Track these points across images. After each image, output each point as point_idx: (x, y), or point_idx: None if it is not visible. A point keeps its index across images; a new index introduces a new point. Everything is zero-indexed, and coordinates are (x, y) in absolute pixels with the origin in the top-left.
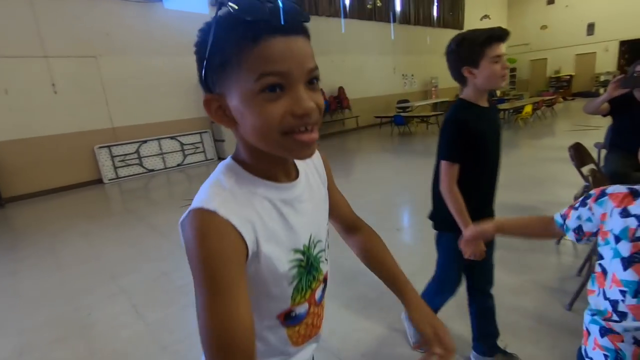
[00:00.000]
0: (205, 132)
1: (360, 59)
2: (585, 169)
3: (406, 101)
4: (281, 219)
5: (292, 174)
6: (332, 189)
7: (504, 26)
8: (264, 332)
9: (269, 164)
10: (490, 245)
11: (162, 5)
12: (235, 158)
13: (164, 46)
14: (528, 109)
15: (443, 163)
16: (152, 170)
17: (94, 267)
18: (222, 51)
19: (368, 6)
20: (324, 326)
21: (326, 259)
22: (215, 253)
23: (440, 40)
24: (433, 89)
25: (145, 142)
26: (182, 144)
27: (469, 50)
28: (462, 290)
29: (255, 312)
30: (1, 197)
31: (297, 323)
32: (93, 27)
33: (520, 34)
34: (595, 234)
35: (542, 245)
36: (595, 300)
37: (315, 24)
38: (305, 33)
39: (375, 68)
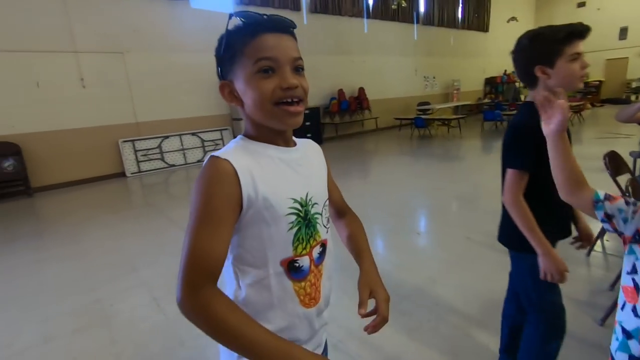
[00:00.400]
0: (226, 129)
1: (381, 60)
2: (620, 179)
3: (427, 103)
4: (279, 170)
5: (290, 143)
6: (329, 178)
7: (531, 28)
8: (270, 280)
9: (269, 134)
10: None
11: (189, 3)
12: (244, 134)
13: (189, 44)
14: None
15: (511, 172)
16: (173, 166)
17: (116, 258)
18: (232, 47)
19: (392, 7)
20: (341, 328)
21: (325, 227)
22: (214, 191)
23: (464, 42)
24: (455, 91)
25: (167, 137)
26: (202, 140)
27: (545, 47)
28: (475, 290)
29: (259, 258)
30: (30, 186)
31: (302, 278)
32: (121, 24)
33: None
34: (621, 235)
35: (572, 255)
36: (626, 317)
37: (338, 24)
38: (291, 34)
39: (397, 69)
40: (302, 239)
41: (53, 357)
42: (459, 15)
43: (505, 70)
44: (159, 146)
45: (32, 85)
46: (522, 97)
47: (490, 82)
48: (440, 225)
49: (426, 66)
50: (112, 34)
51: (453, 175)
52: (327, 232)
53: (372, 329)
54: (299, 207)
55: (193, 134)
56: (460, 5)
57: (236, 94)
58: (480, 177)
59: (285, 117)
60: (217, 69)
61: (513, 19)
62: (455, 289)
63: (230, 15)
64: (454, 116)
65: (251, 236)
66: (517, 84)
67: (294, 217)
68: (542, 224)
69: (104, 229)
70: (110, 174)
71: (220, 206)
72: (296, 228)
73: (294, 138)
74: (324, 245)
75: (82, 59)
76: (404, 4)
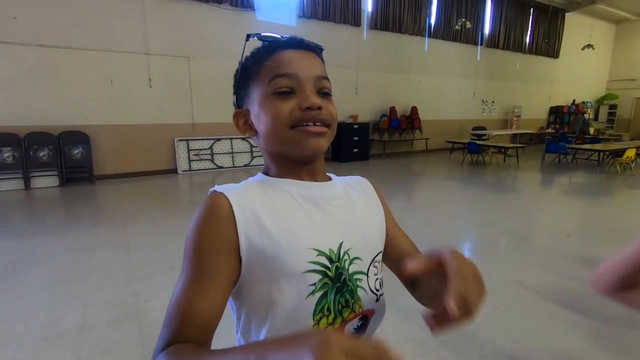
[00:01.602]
0: None
1: (438, 80)
2: None
3: (483, 128)
4: (299, 210)
5: (317, 176)
6: (391, 226)
7: (607, 58)
8: None
9: (291, 166)
10: None
11: (255, 14)
12: (263, 172)
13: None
14: (631, 153)
15: None
16: (221, 167)
17: (157, 255)
18: (247, 70)
19: (456, 27)
20: None
21: (373, 292)
22: (204, 234)
23: (529, 67)
24: (515, 118)
25: (219, 140)
26: (251, 146)
27: None
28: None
29: (267, 327)
30: (93, 174)
31: None
32: (190, 30)
33: (626, 68)
34: None
35: None
36: None
37: (397, 42)
38: (315, 51)
39: (454, 90)
40: (330, 309)
41: (85, 346)
42: (527, 40)
43: (574, 100)
44: (211, 147)
45: (106, 82)
46: (591, 130)
47: (555, 111)
48: (489, 264)
49: (486, 89)
50: (181, 40)
51: (506, 208)
52: (377, 300)
53: (438, 324)
54: (326, 262)
55: (243, 138)
56: (530, 29)
57: (251, 124)
58: (536, 214)
59: (303, 139)
60: (234, 98)
61: (589, 46)
62: (502, 341)
63: (248, 37)
64: (512, 144)
65: (254, 300)
66: (586, 116)
67: (317, 277)
68: None
69: (151, 223)
70: (164, 169)
71: (209, 253)
72: (320, 293)
73: (331, 175)
74: (364, 318)
75: (152, 61)
76: (468, 25)
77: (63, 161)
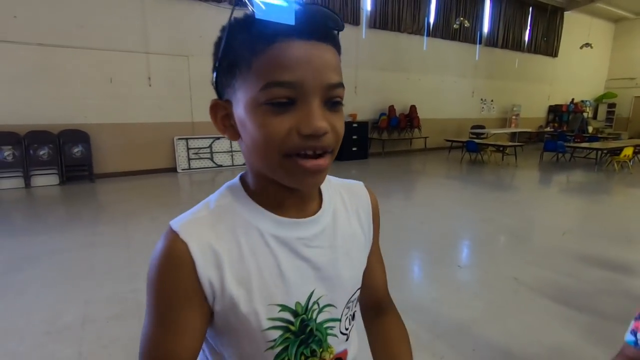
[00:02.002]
0: None
1: (437, 79)
2: None
3: (482, 127)
4: (270, 261)
5: (308, 209)
6: (372, 248)
7: (606, 57)
8: None
9: (275, 190)
10: None
11: (254, 15)
12: (242, 178)
13: None
14: (628, 151)
15: None
16: (221, 166)
17: None
18: (233, 52)
19: (454, 26)
20: None
21: (344, 334)
22: (165, 286)
23: (528, 66)
24: (513, 117)
25: (218, 138)
26: None
27: None
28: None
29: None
30: (93, 172)
31: None
32: (190, 29)
33: (625, 67)
34: None
35: None
36: None
37: (396, 41)
38: (332, 42)
39: (453, 89)
40: None
41: (86, 341)
42: (526, 38)
43: (573, 99)
44: (210, 146)
45: (106, 81)
46: (590, 129)
47: (554, 110)
48: (486, 261)
49: (485, 88)
50: (181, 39)
51: (504, 206)
52: (347, 339)
53: None
54: (289, 317)
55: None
56: (528, 27)
57: (233, 122)
58: (534, 212)
59: (297, 176)
60: (212, 77)
61: (587, 45)
62: (497, 336)
63: (238, 1)
64: (511, 143)
65: (222, 343)
66: (585, 114)
67: (277, 333)
68: None
69: (151, 221)
70: (163, 168)
71: (170, 303)
72: (280, 347)
73: (325, 190)
74: None
75: (152, 60)
76: (466, 24)
77: (63, 160)
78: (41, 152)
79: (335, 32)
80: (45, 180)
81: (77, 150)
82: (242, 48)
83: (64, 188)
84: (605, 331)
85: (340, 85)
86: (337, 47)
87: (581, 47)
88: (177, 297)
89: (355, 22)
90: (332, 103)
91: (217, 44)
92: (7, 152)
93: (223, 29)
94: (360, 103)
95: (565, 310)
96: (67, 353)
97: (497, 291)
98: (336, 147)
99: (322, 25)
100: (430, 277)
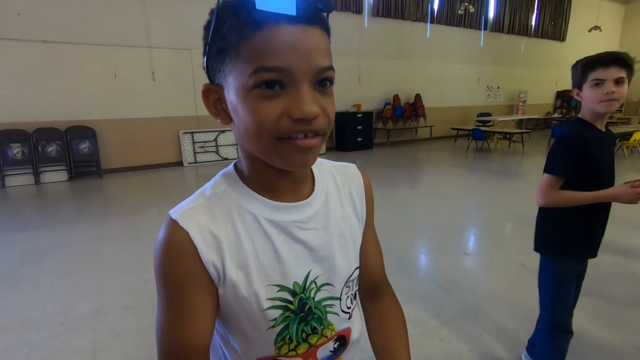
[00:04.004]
0: None
1: (442, 66)
2: None
3: (488, 114)
4: (266, 245)
5: (301, 192)
6: (366, 230)
7: (616, 40)
8: None
9: (268, 173)
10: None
11: (254, 5)
12: (236, 166)
13: None
14: (638, 136)
15: (546, 177)
16: (226, 159)
17: None
18: (222, 37)
19: (459, 12)
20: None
21: (345, 312)
22: (172, 274)
23: (535, 51)
24: (520, 104)
25: (223, 132)
26: None
27: (577, 72)
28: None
29: (236, 343)
30: (101, 168)
31: None
32: (192, 22)
33: (635, 50)
34: None
35: None
36: None
37: (400, 28)
38: (321, 24)
39: (458, 77)
40: (291, 338)
41: (100, 330)
42: (533, 23)
43: None
44: (215, 140)
45: (110, 77)
46: None
47: (562, 95)
48: (492, 248)
49: (491, 75)
50: (183, 32)
51: (511, 193)
52: (349, 317)
53: None
54: (288, 296)
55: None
56: (535, 11)
57: (225, 106)
58: None
59: (290, 155)
60: (203, 61)
61: (596, 28)
62: (503, 321)
63: None
64: (517, 130)
65: (225, 326)
66: None
67: (278, 313)
68: (568, 234)
69: (159, 213)
70: (170, 162)
71: (183, 287)
72: (281, 326)
73: (317, 172)
74: (342, 338)
75: (155, 54)
76: (471, 10)
77: (71, 156)
78: (49, 149)
79: (325, 14)
80: (55, 176)
81: (84, 146)
82: (230, 33)
83: (73, 184)
84: (612, 315)
85: (330, 68)
86: (326, 29)
87: (590, 30)
88: (185, 282)
89: (358, 10)
90: (322, 85)
91: (207, 28)
92: (17, 150)
93: (212, 12)
94: (364, 93)
95: None
96: (81, 342)
97: (504, 277)
98: (328, 130)
99: (311, 8)
100: (437, 264)
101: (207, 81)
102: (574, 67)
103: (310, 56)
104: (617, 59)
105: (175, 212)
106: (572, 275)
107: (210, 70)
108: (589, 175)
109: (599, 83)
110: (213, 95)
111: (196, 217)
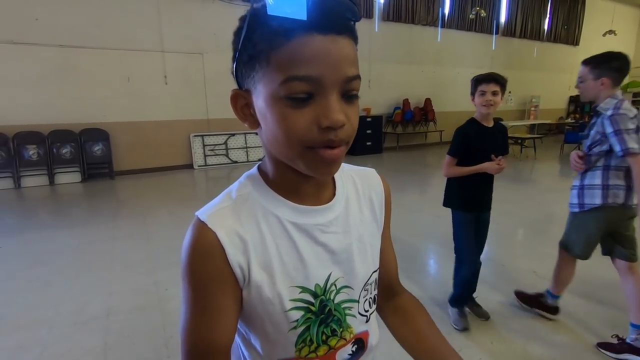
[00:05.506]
0: None
1: (453, 71)
2: None
3: (499, 119)
4: (290, 247)
5: (323, 196)
6: (383, 234)
7: (631, 44)
8: None
9: (292, 178)
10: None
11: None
12: (260, 168)
13: None
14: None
15: (447, 157)
16: (236, 162)
17: (175, 246)
18: (253, 44)
19: (470, 16)
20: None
21: (363, 315)
22: (199, 274)
23: (548, 56)
24: (532, 108)
25: (233, 135)
26: None
27: (471, 84)
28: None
29: (258, 344)
30: (113, 170)
31: None
32: (204, 27)
33: None
34: None
35: None
36: None
37: (410, 33)
38: (350, 34)
39: (469, 81)
40: (312, 339)
41: (111, 331)
42: (545, 27)
43: None
44: (225, 143)
45: (124, 80)
46: None
47: (576, 100)
48: (504, 254)
49: None
50: (195, 36)
51: (522, 199)
52: (367, 320)
53: None
54: (310, 298)
55: (257, 133)
56: (548, 16)
57: (253, 112)
58: (553, 205)
59: (315, 164)
60: (232, 67)
61: (610, 32)
62: (515, 329)
63: None
64: (529, 135)
65: (248, 327)
66: None
67: (300, 314)
68: (459, 195)
69: (169, 215)
70: (180, 164)
71: (209, 288)
72: (302, 327)
73: (338, 178)
74: (359, 341)
75: (167, 58)
76: (483, 14)
77: (85, 158)
78: (64, 151)
79: (353, 22)
80: (68, 177)
81: (97, 148)
82: (261, 42)
83: (86, 185)
84: (626, 324)
85: (358, 77)
86: (354, 38)
87: (604, 35)
88: (212, 282)
89: (368, 15)
90: (349, 96)
91: (237, 34)
92: (32, 151)
93: (243, 19)
94: (374, 97)
95: (585, 304)
96: (93, 342)
97: (516, 284)
98: (352, 138)
99: (340, 18)
100: (448, 271)
101: (218, 86)
102: (472, 80)
103: (340, 66)
104: (494, 79)
105: (204, 214)
106: (466, 222)
107: (239, 76)
108: (473, 156)
109: (483, 93)
110: (241, 101)
111: (224, 219)
